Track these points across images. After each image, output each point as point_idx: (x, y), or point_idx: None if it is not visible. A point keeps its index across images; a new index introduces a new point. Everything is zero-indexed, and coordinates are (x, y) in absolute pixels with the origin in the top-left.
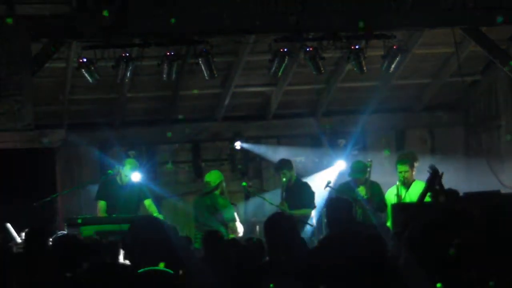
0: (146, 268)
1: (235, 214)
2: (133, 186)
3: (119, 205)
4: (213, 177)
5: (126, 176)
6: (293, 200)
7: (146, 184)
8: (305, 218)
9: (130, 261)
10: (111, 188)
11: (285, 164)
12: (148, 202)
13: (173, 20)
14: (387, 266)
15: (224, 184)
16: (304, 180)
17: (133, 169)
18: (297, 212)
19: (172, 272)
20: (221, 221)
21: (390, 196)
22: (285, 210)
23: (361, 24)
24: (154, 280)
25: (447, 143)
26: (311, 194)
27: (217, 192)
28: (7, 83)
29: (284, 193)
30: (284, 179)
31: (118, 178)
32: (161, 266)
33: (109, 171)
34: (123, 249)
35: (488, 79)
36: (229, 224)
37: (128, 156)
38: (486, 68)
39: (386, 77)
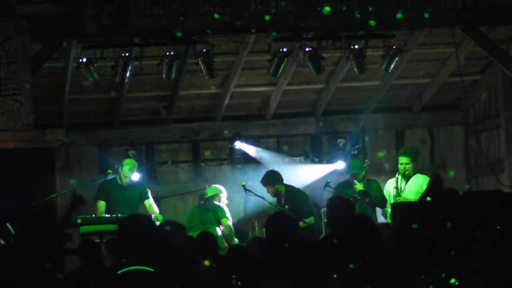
0: (126, 269)
1: (227, 212)
2: (134, 186)
3: (119, 205)
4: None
5: (125, 177)
6: (291, 211)
7: (146, 185)
8: (310, 226)
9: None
10: (111, 189)
11: (267, 180)
12: (148, 203)
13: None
14: (387, 265)
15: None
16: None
17: (132, 169)
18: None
19: (152, 270)
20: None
21: (389, 187)
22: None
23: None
24: (135, 280)
25: (447, 143)
26: (307, 201)
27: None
28: (7, 83)
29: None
30: (272, 197)
31: (118, 178)
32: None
33: (109, 171)
34: (109, 250)
35: (488, 79)
36: (222, 221)
37: (127, 156)
38: (486, 68)
39: (386, 77)
